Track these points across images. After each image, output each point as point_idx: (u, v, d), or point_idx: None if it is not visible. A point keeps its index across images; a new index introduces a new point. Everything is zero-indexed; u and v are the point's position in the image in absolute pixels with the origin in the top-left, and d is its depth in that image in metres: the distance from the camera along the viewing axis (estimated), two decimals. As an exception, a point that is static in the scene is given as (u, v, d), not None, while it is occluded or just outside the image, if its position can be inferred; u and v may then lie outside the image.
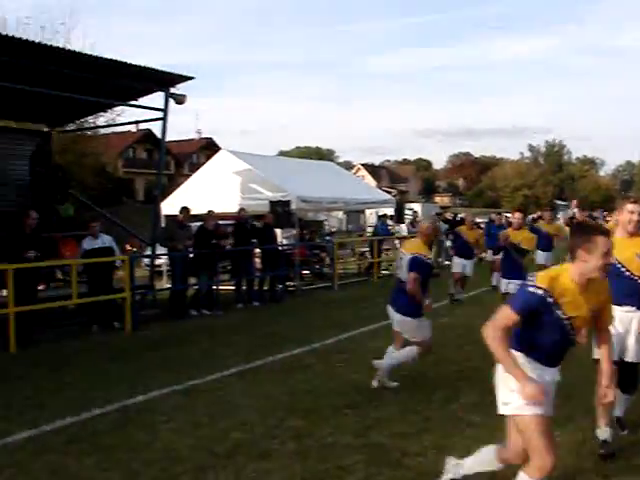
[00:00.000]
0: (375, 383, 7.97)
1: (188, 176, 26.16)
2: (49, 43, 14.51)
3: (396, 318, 7.91)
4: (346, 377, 8.50)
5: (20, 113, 16.70)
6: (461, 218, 27.41)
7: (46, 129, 17.28)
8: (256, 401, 7.45)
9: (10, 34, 12.09)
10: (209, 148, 68.13)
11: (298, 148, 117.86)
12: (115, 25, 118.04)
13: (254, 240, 16.10)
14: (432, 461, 5.58)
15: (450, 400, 7.37)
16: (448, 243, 21.89)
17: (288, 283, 17.91)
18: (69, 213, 15.42)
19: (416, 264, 7.63)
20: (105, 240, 12.88)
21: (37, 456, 5.91)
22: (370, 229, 27.76)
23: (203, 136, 74.40)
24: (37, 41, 12.18)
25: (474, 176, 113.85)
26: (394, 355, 7.98)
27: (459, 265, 15.73)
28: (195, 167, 51.17)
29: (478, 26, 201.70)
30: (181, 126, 78.78)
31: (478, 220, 23.18)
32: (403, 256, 7.88)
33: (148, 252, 17.20)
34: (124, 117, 30.30)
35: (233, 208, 17.17)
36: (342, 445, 6.02)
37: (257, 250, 16.46)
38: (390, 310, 7.99)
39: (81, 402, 7.52)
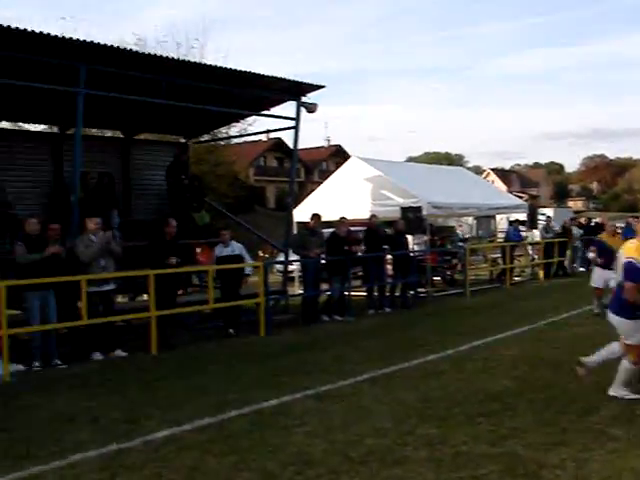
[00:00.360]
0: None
1: (318, 183, 26.47)
2: (185, 59, 15.07)
3: (612, 320, 7.66)
4: (480, 385, 8.36)
5: (159, 126, 17.41)
6: (596, 223, 26.39)
7: (183, 140, 17.95)
8: (389, 407, 7.45)
9: (149, 52, 12.65)
10: (338, 155, 68.80)
11: (427, 154, 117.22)
12: (244, 38, 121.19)
13: (386, 246, 16.11)
14: (571, 475, 5.41)
15: (589, 412, 7.09)
16: (592, 254, 20.76)
17: (419, 289, 17.82)
18: (205, 221, 15.89)
19: (631, 271, 7.29)
20: (235, 248, 13.14)
21: (179, 453, 6.13)
22: (501, 235, 27.22)
23: (332, 143, 75.21)
24: (174, 57, 12.65)
25: (609, 179, 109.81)
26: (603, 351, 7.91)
27: (600, 279, 13.55)
28: (325, 174, 51.75)
29: (607, 23, 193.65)
30: (310, 134, 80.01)
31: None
32: (620, 258, 7.59)
33: (280, 258, 17.55)
34: (255, 126, 31.15)
35: (364, 214, 17.24)
36: (476, 454, 5.91)
37: (388, 256, 16.46)
38: (608, 311, 7.80)
39: (218, 404, 7.75)
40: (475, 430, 6.57)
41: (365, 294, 16.06)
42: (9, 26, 10.17)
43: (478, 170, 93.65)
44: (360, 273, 16.65)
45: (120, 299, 13.85)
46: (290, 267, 17.30)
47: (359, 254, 15.27)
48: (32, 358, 10.25)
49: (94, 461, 5.98)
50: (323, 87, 14.80)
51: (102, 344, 10.98)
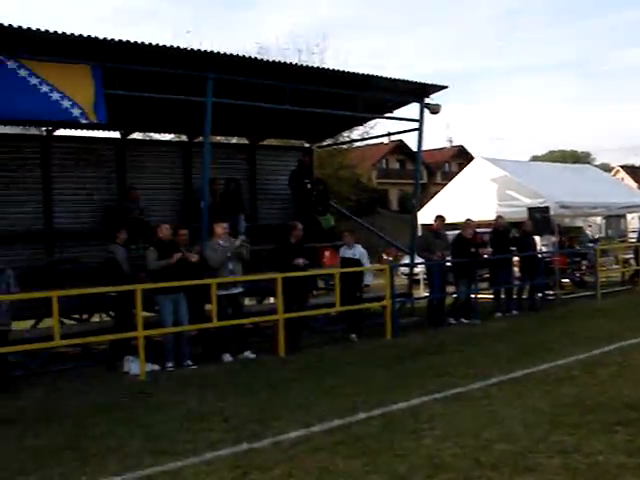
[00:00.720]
0: None
1: (441, 185, 26.23)
2: (307, 64, 15.26)
3: None
4: (615, 391, 8.05)
5: (283, 131, 17.70)
6: None
7: (307, 145, 18.18)
8: (520, 412, 7.28)
9: (272, 60, 12.88)
10: (460, 156, 67.94)
11: (551, 152, 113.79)
12: (363, 42, 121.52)
13: (512, 248, 15.79)
14: None
15: None
16: None
17: (547, 292, 17.37)
18: (330, 224, 16.04)
19: None
20: (357, 252, 13.08)
21: (308, 454, 6.19)
22: (633, 234, 26.18)
23: (454, 144, 74.28)
24: (297, 63, 12.84)
25: None
26: None
27: None
28: (447, 176, 51.21)
29: None
30: (432, 135, 78.96)
31: None
32: None
33: (404, 261, 17.49)
34: (376, 129, 31.24)
35: (490, 216, 16.99)
36: (614, 464, 5.66)
37: (516, 258, 16.13)
38: None
39: (346, 406, 7.79)
40: (612, 439, 6.30)
41: (492, 296, 15.81)
42: (142, 42, 10.62)
43: (606, 167, 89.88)
44: (487, 275, 16.38)
45: (247, 302, 14.14)
46: (415, 269, 17.24)
47: (485, 256, 15.01)
48: (165, 359, 10.64)
49: (226, 459, 6.14)
50: (446, 87, 14.67)
51: (231, 346, 11.26)
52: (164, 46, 10.85)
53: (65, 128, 14.02)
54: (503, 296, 15.69)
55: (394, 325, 12.90)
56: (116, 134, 15.22)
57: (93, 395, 9.02)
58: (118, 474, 5.86)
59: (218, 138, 23.01)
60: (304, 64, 12.95)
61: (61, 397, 8.97)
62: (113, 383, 9.76)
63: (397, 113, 15.84)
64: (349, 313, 12.92)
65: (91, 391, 9.27)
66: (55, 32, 9.89)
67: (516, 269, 16.39)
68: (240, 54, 12.18)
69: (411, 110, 15.21)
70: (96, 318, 13.54)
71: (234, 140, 25.52)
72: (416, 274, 17.89)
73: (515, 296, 15.96)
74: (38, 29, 9.73)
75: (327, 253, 15.44)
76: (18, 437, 7.16)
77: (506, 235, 15.90)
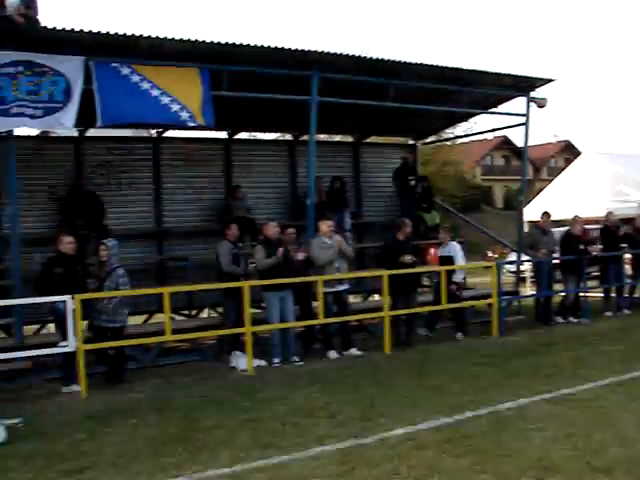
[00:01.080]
0: None
1: (546, 181, 25.64)
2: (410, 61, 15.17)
3: None
4: None
5: (387, 129, 17.66)
6: None
7: (411, 142, 18.10)
8: (634, 415, 7.04)
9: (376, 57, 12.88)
10: (567, 151, 66.12)
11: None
12: (463, 36, 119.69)
13: (623, 245, 15.28)
14: None
15: None
16: None
17: (663, 291, 16.72)
18: (436, 221, 15.94)
19: None
20: (450, 249, 12.95)
21: (415, 452, 6.17)
22: None
23: (560, 139, 72.31)
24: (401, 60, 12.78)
25: None
26: None
27: None
28: (554, 171, 49.96)
29: None
30: (534, 130, 76.07)
31: None
32: None
33: (510, 258, 17.17)
34: (480, 124, 30.76)
35: (599, 212, 16.50)
36: None
37: (627, 255, 15.60)
38: None
39: (453, 404, 7.74)
40: None
41: (602, 295, 15.35)
42: (248, 44, 10.83)
43: None
44: (596, 273, 15.91)
45: (352, 299, 14.19)
46: (521, 267, 16.91)
47: (595, 253, 14.56)
48: (272, 355, 10.81)
49: (333, 455, 6.20)
50: (553, 80, 14.32)
51: (337, 343, 11.34)
52: (269, 47, 11.01)
53: (174, 129, 14.43)
54: (614, 294, 15.22)
55: (500, 323, 12.71)
56: (223, 134, 15.57)
57: (202, 389, 9.28)
58: (228, 466, 6.00)
59: (322, 136, 23.17)
60: (407, 61, 12.78)
61: (172, 390, 9.26)
62: (221, 377, 10.00)
63: (502, 108, 15.59)
64: (453, 311, 12.83)
65: (200, 385, 9.54)
66: (165, 37, 10.21)
67: (628, 267, 15.85)
68: (344, 52, 12.20)
69: (517, 104, 14.91)
70: (204, 314, 13.91)
71: (337, 138, 25.66)
72: (522, 271, 17.55)
73: (627, 295, 15.45)
74: (149, 35, 10.07)
75: (432, 251, 15.31)
76: (133, 426, 7.46)
77: (617, 232, 15.40)
